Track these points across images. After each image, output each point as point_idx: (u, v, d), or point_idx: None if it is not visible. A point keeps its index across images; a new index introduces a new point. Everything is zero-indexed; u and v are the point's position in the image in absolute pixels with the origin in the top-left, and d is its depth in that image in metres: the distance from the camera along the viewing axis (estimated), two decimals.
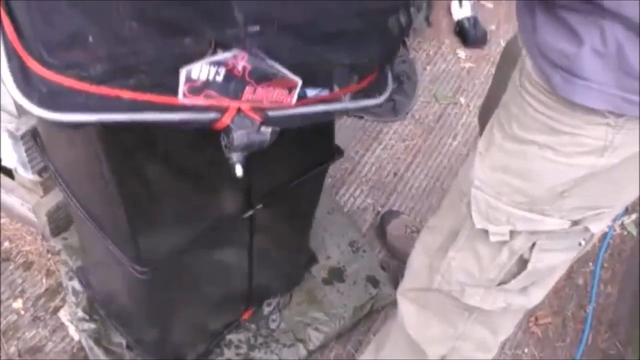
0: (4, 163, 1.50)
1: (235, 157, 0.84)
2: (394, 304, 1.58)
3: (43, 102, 0.72)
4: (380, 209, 1.83)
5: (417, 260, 1.13)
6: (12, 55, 0.72)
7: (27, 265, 1.60)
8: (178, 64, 0.74)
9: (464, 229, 0.97)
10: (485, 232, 0.93)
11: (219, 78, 0.77)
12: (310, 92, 0.84)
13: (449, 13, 2.46)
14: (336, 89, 0.86)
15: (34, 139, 1.24)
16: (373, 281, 1.59)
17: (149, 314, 1.29)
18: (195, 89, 0.77)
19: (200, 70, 0.75)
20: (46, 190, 1.55)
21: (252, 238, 1.25)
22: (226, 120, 0.81)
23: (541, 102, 0.81)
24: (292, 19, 0.75)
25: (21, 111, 1.34)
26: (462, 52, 2.36)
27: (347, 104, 0.89)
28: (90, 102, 0.73)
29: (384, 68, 0.92)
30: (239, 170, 0.84)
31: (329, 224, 1.68)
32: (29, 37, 0.71)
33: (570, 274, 1.72)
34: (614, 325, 1.62)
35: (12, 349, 1.46)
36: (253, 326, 1.49)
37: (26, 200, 1.57)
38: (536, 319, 1.62)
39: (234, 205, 1.14)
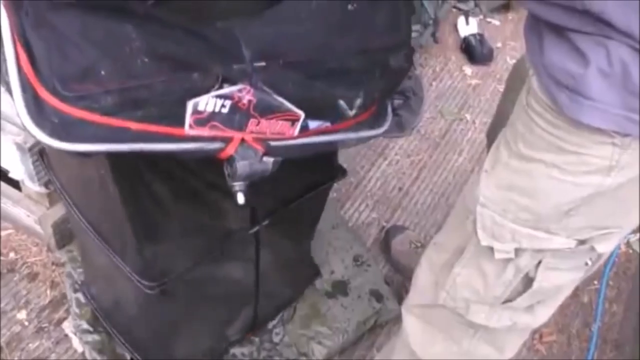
0: (11, 175, 1.51)
1: (237, 186, 0.85)
2: (397, 319, 1.58)
3: (54, 133, 0.75)
4: (385, 223, 1.83)
5: (422, 277, 1.13)
6: (26, 86, 0.74)
7: (32, 277, 1.61)
8: (185, 97, 0.76)
9: (469, 246, 0.98)
10: (491, 249, 0.93)
11: (225, 110, 0.79)
12: (312, 124, 0.86)
13: (456, 30, 2.48)
14: (338, 121, 0.88)
15: (41, 156, 1.26)
16: (377, 296, 1.59)
17: (154, 328, 1.30)
18: (201, 120, 0.79)
19: (207, 103, 0.77)
20: (52, 202, 1.56)
21: (258, 252, 1.26)
22: (230, 150, 0.83)
23: (547, 121, 0.82)
24: (297, 56, 0.79)
25: None
26: (468, 69, 2.37)
27: (348, 135, 0.92)
28: (100, 133, 0.76)
29: (384, 101, 0.96)
30: (240, 199, 0.86)
31: (333, 238, 1.68)
32: (44, 70, 0.73)
33: (575, 292, 1.70)
34: (619, 345, 1.61)
35: None
36: (256, 339, 1.49)
37: (32, 212, 1.58)
38: (541, 337, 1.62)
39: (239, 222, 1.15)
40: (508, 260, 0.93)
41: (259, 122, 0.82)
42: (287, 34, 0.79)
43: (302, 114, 0.83)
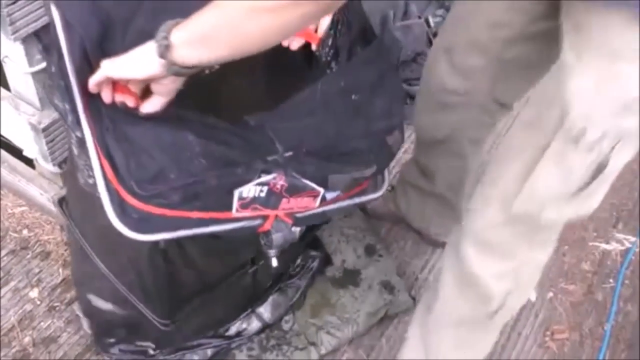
0: (25, 153, 1.51)
1: (272, 252, 1.08)
2: (407, 311, 1.57)
3: (135, 227, 0.93)
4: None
5: (482, 197, 1.14)
6: (111, 190, 0.92)
7: (45, 255, 1.61)
8: (233, 188, 0.96)
9: (553, 143, 0.97)
10: (576, 140, 0.94)
11: (263, 194, 0.99)
12: (329, 195, 1.05)
13: None
14: (348, 190, 1.08)
15: (60, 205, 1.36)
16: (388, 287, 1.57)
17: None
18: (245, 204, 0.99)
19: (249, 190, 0.97)
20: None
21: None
22: (267, 226, 1.04)
23: None
24: (315, 144, 0.98)
25: (44, 104, 1.35)
26: None
27: (356, 200, 1.13)
28: (169, 223, 0.95)
29: (383, 170, 1.14)
30: (274, 262, 1.10)
31: (346, 227, 1.66)
32: (124, 175, 0.91)
33: (590, 289, 1.69)
34: (632, 345, 1.59)
35: (27, 339, 1.47)
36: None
37: (46, 190, 1.58)
38: (552, 334, 1.60)
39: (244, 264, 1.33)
40: (592, 148, 0.94)
41: (289, 201, 1.02)
42: (307, 127, 0.98)
43: (321, 190, 1.02)
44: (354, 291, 1.56)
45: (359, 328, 1.51)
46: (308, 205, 1.05)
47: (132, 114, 0.93)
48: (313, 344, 1.48)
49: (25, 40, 1.20)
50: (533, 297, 1.63)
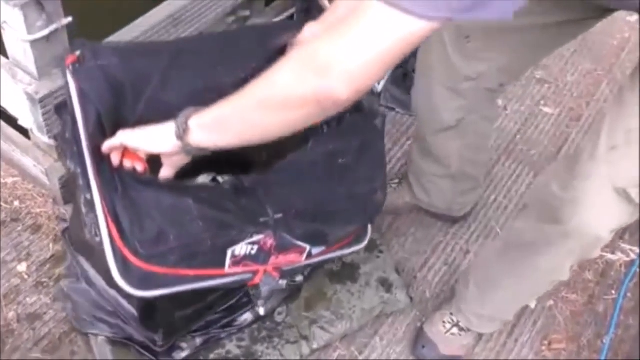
0: (20, 122, 1.45)
1: (260, 302, 1.21)
2: (403, 312, 1.54)
3: (135, 285, 1.03)
4: None
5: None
6: (116, 250, 1.00)
7: (36, 228, 1.57)
8: (226, 247, 1.05)
9: None
10: None
11: (253, 252, 1.08)
12: (315, 250, 1.15)
13: None
14: (332, 245, 1.18)
15: (63, 235, 1.42)
16: (386, 284, 1.53)
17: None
18: (237, 261, 1.08)
19: (241, 249, 1.06)
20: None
21: None
22: (257, 280, 1.13)
23: None
24: (303, 206, 1.08)
25: (42, 74, 1.29)
26: None
27: (339, 252, 1.23)
28: (168, 281, 1.05)
29: (366, 227, 1.25)
30: (262, 311, 1.25)
31: None
32: (129, 236, 0.99)
33: (590, 300, 1.65)
34: None
35: (12, 314, 1.43)
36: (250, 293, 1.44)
37: (40, 162, 1.53)
38: (550, 343, 1.56)
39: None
40: None
41: (277, 257, 1.11)
42: (296, 190, 1.08)
43: (308, 247, 1.12)
44: (351, 287, 1.52)
45: (353, 324, 1.48)
46: (295, 260, 1.14)
47: (138, 179, 1.02)
48: (305, 337, 1.44)
49: (24, 7, 1.15)
50: (532, 304, 1.60)
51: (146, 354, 1.33)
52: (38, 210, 1.59)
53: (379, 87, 1.98)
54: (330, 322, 1.46)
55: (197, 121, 0.91)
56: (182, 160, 1.02)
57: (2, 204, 1.59)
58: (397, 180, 1.72)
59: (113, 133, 1.01)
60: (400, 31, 0.72)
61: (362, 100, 1.17)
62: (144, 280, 1.03)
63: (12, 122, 1.51)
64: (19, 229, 1.56)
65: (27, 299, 1.46)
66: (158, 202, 1.00)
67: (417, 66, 1.44)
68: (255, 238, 1.06)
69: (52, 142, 1.43)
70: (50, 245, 1.54)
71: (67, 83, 1.06)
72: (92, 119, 1.02)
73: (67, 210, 1.55)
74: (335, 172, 1.06)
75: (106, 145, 1.01)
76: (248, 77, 1.02)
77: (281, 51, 1.10)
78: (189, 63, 1.10)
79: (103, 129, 1.02)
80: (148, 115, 1.03)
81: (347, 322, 1.47)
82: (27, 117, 1.38)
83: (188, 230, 1.01)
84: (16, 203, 1.60)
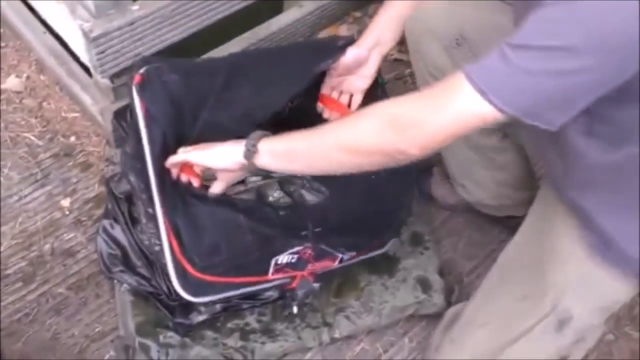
0: (81, 59, 1.45)
1: (294, 304, 1.30)
2: (438, 316, 1.42)
3: (192, 293, 1.18)
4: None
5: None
6: (177, 262, 1.12)
7: (86, 166, 1.58)
8: (270, 257, 1.19)
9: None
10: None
11: (294, 260, 1.22)
12: (346, 256, 1.30)
13: None
14: (360, 252, 1.34)
15: (107, 182, 1.43)
16: (424, 285, 1.43)
17: None
18: (279, 269, 1.22)
19: (284, 258, 1.20)
20: (118, 96, 1.49)
21: None
22: (294, 284, 1.27)
23: None
24: (339, 220, 1.22)
25: (99, 13, 1.26)
26: None
27: (366, 256, 1.36)
28: (219, 288, 1.21)
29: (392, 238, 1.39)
30: (295, 310, 1.31)
31: None
32: (188, 249, 1.12)
33: None
34: None
35: (47, 246, 1.45)
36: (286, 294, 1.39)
37: (97, 101, 1.52)
38: None
39: None
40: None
41: (314, 264, 1.25)
42: (334, 206, 1.22)
43: (340, 255, 1.28)
44: (386, 280, 1.42)
45: (380, 320, 1.39)
46: (329, 265, 1.28)
47: (195, 195, 1.13)
48: (328, 324, 1.36)
49: None
50: None
51: (164, 310, 1.31)
52: (91, 149, 1.60)
53: None
54: (357, 314, 1.38)
55: (267, 147, 1.00)
56: (238, 177, 1.14)
57: (60, 137, 1.61)
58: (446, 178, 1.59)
59: (174, 150, 1.12)
60: (480, 117, 0.81)
61: None
62: (200, 288, 1.17)
63: (76, 57, 1.52)
64: (70, 164, 1.57)
65: (65, 235, 1.47)
66: (213, 217, 1.12)
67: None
68: (296, 249, 1.19)
69: (107, 82, 1.42)
70: (96, 185, 1.54)
71: (133, 101, 1.15)
72: (158, 139, 1.12)
73: (116, 154, 1.54)
74: (367, 188, 1.14)
75: (170, 161, 1.11)
76: (291, 101, 1.25)
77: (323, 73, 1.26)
78: (241, 84, 1.20)
79: (166, 147, 1.12)
80: (205, 134, 1.14)
81: (375, 317, 1.38)
82: (84, 54, 1.37)
83: (239, 243, 1.13)
84: (72, 138, 1.62)
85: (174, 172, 1.14)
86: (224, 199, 1.15)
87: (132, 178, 1.19)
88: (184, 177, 1.15)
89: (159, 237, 1.13)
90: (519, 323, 1.07)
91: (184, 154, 1.10)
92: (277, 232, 1.18)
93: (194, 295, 1.17)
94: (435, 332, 1.32)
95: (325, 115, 1.33)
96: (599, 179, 0.94)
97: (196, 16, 1.39)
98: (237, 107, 1.18)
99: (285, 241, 1.18)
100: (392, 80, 1.86)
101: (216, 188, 1.15)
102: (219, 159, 1.07)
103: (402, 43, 1.91)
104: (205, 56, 1.62)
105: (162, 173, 1.12)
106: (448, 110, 0.82)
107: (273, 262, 1.19)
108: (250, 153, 1.01)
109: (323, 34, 1.88)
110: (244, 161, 1.02)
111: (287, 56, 1.27)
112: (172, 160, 1.11)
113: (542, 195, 1.14)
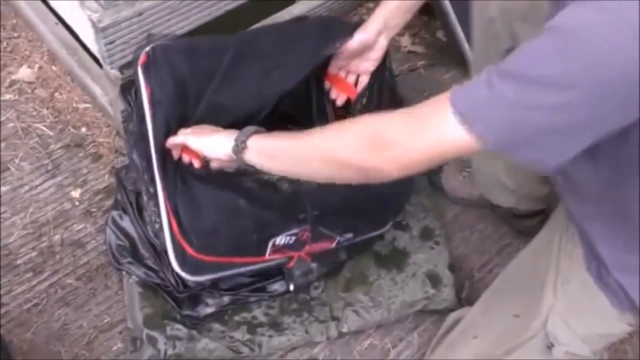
0: (92, 50, 1.44)
1: (291, 282, 1.29)
2: (448, 311, 1.41)
3: (190, 272, 1.20)
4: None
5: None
6: (175, 241, 1.15)
7: (96, 157, 1.58)
8: (268, 239, 1.20)
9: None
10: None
11: (291, 242, 1.23)
12: (343, 238, 1.31)
13: None
14: (358, 234, 1.34)
15: (117, 173, 1.47)
16: (434, 280, 1.41)
17: None
18: (276, 249, 1.23)
19: (281, 239, 1.21)
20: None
21: None
22: (291, 264, 1.28)
23: None
24: (339, 204, 1.21)
25: (108, 3, 1.26)
26: None
27: (363, 237, 1.37)
28: (215, 267, 1.22)
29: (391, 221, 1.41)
30: (291, 287, 1.30)
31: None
32: (186, 229, 1.13)
33: None
34: None
35: (57, 237, 1.45)
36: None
37: (107, 92, 1.52)
38: None
39: None
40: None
41: (311, 245, 1.26)
42: (333, 190, 1.06)
43: (338, 237, 1.29)
44: (395, 275, 1.41)
45: (389, 315, 1.37)
46: (326, 247, 1.29)
47: (196, 175, 1.13)
48: (336, 319, 1.35)
49: None
50: None
51: (171, 302, 1.31)
52: (101, 140, 1.60)
53: None
54: (366, 308, 1.37)
55: (255, 144, 1.01)
56: (230, 167, 1.12)
57: (71, 128, 1.61)
58: (469, 169, 1.56)
59: (176, 131, 1.13)
60: (461, 145, 0.77)
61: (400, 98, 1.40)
62: (197, 268, 1.18)
63: (87, 48, 1.51)
64: (81, 155, 1.57)
65: (74, 225, 1.47)
66: (214, 199, 1.13)
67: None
68: (294, 230, 1.19)
69: (117, 73, 1.42)
70: (106, 176, 1.54)
71: (138, 80, 1.19)
72: (161, 120, 1.13)
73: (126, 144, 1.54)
74: None
75: (170, 142, 1.13)
76: (295, 88, 1.23)
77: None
78: (248, 64, 1.20)
79: (168, 129, 1.13)
80: (206, 115, 1.16)
81: (384, 312, 1.37)
82: (93, 45, 1.36)
83: (238, 226, 1.13)
84: (83, 129, 1.62)
85: (176, 152, 1.14)
86: (225, 181, 1.14)
87: (135, 156, 1.20)
88: (185, 158, 1.15)
89: (159, 215, 1.14)
90: (510, 340, 1.07)
91: (183, 136, 1.11)
92: (276, 216, 1.18)
93: (193, 274, 1.18)
94: (437, 335, 1.31)
95: (333, 95, 1.34)
96: (598, 209, 0.92)
97: (205, 7, 1.38)
98: (243, 88, 1.17)
99: (284, 224, 1.18)
100: (406, 72, 1.84)
101: (214, 164, 1.15)
102: (212, 148, 1.08)
103: (415, 35, 1.91)
104: None
105: (164, 153, 1.13)
106: (430, 135, 0.80)
107: (270, 243, 1.19)
108: (239, 149, 1.02)
109: None
110: (233, 155, 1.04)
111: (296, 37, 1.25)
112: (172, 141, 1.12)
113: (556, 213, 1.13)
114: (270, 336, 1.32)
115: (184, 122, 1.15)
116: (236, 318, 1.33)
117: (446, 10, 1.69)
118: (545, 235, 1.12)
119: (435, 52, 1.88)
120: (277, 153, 1.00)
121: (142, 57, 1.18)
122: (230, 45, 1.21)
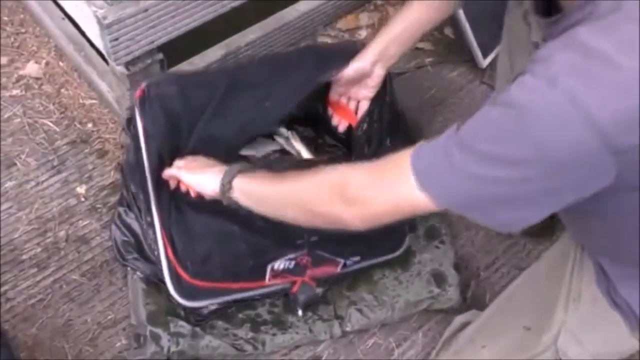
0: (98, 46, 1.44)
1: (299, 306, 1.29)
2: (458, 311, 1.40)
3: (186, 296, 1.23)
4: None
5: None
6: (170, 266, 1.19)
7: (102, 153, 1.58)
8: (266, 264, 1.22)
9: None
10: None
11: (291, 266, 1.23)
12: (349, 261, 1.30)
13: None
14: (366, 258, 1.34)
15: (122, 168, 1.46)
16: (439, 279, 1.40)
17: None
18: (276, 274, 1.24)
19: (280, 264, 1.22)
20: (133, 84, 1.49)
21: None
22: (294, 289, 1.27)
23: None
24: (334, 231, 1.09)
25: (113, 1, 1.26)
26: None
27: (373, 261, 1.36)
28: (212, 293, 1.24)
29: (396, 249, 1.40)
30: (300, 312, 1.31)
31: None
32: (181, 256, 1.17)
33: None
34: None
35: (62, 233, 1.45)
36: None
37: (113, 89, 1.52)
38: None
39: None
40: None
41: (313, 270, 1.26)
42: None
43: (342, 261, 1.29)
44: (400, 274, 1.40)
45: (393, 314, 1.37)
46: (331, 271, 1.28)
47: (191, 204, 1.15)
48: (340, 317, 1.35)
49: None
50: None
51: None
52: (107, 136, 1.60)
53: (485, 64, 1.80)
54: (370, 307, 1.36)
55: (240, 185, 1.04)
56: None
57: (77, 124, 1.61)
58: None
59: (171, 161, 1.18)
60: (419, 205, 0.80)
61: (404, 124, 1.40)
62: (193, 293, 1.21)
63: (94, 44, 1.51)
64: (86, 151, 1.58)
65: (80, 222, 1.47)
66: (208, 227, 1.15)
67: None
68: (292, 255, 1.20)
69: (123, 69, 1.41)
70: (112, 172, 1.54)
71: (134, 114, 1.25)
72: (154, 152, 1.19)
73: None
74: None
75: (165, 174, 1.17)
76: (288, 116, 1.30)
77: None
78: (240, 95, 1.24)
79: (161, 160, 1.19)
80: (199, 147, 1.20)
81: (388, 311, 1.36)
82: (99, 41, 1.36)
83: (232, 252, 1.16)
84: (89, 125, 1.62)
85: (172, 183, 1.17)
86: (220, 209, 1.12)
87: (133, 187, 1.25)
88: (182, 187, 1.17)
89: (156, 242, 1.19)
90: (520, 353, 1.06)
91: (177, 170, 1.15)
92: (271, 242, 1.19)
93: (189, 298, 1.21)
94: (443, 337, 1.30)
95: (334, 121, 1.36)
96: (599, 234, 0.93)
97: (210, 4, 1.37)
98: (234, 119, 1.22)
99: (280, 249, 1.19)
100: (413, 69, 1.82)
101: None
102: (202, 185, 1.10)
103: None
104: (222, 43, 1.61)
105: (159, 184, 1.17)
106: (391, 195, 0.83)
107: (269, 268, 1.20)
108: (225, 189, 1.05)
109: (343, 22, 1.86)
110: (220, 195, 1.06)
111: (290, 66, 1.28)
112: (167, 172, 1.17)
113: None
114: (273, 334, 1.31)
115: (177, 153, 1.19)
116: (240, 315, 1.32)
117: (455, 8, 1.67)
118: (560, 248, 1.11)
119: (443, 49, 1.87)
120: (258, 197, 1.03)
121: (137, 93, 1.25)
122: (223, 77, 1.25)
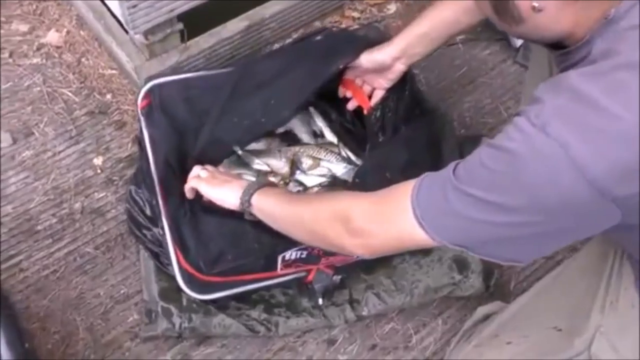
0: (117, 14, 1.41)
1: (317, 296, 1.26)
2: (480, 298, 1.34)
3: (198, 291, 1.21)
4: None
5: None
6: (182, 269, 1.18)
7: (120, 125, 1.55)
8: (277, 255, 1.19)
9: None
10: None
11: (303, 256, 1.20)
12: None
13: None
14: None
15: (138, 139, 1.40)
16: (461, 265, 1.34)
17: None
18: (288, 264, 1.21)
19: (291, 254, 1.19)
20: (152, 54, 1.45)
21: None
22: (310, 277, 1.25)
23: None
24: None
25: None
26: None
27: None
28: (225, 286, 1.23)
29: None
30: (320, 301, 1.27)
31: None
32: (194, 256, 1.16)
33: None
34: None
35: (78, 205, 1.43)
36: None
37: (132, 59, 1.48)
38: None
39: None
40: None
41: (327, 258, 1.23)
42: None
43: None
44: (420, 259, 1.35)
45: (412, 300, 1.32)
46: (347, 258, 1.23)
47: (205, 208, 1.15)
48: (356, 301, 1.31)
49: None
50: None
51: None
52: (126, 107, 1.56)
53: (518, 43, 1.72)
54: (388, 292, 1.32)
55: (257, 202, 1.06)
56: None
57: (96, 94, 1.59)
58: None
59: (178, 166, 1.20)
60: (420, 241, 0.82)
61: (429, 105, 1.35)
62: (206, 287, 1.20)
63: (114, 12, 1.48)
64: (105, 122, 1.55)
65: (95, 194, 1.45)
66: (220, 227, 1.15)
67: None
68: (303, 245, 1.15)
69: (142, 39, 1.38)
70: (129, 144, 1.51)
71: (140, 123, 1.27)
72: (161, 161, 1.20)
73: None
74: (382, 185, 1.04)
75: (187, 187, 1.15)
76: (294, 114, 1.29)
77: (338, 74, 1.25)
78: (244, 98, 1.23)
79: (170, 165, 1.20)
80: (206, 149, 1.22)
81: (407, 296, 1.31)
82: (117, 9, 1.32)
83: (244, 251, 1.15)
84: (108, 96, 1.59)
85: (190, 194, 1.16)
86: (233, 211, 1.12)
87: (144, 190, 1.26)
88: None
89: (168, 247, 1.19)
90: (548, 354, 1.01)
91: (196, 182, 1.14)
92: (282, 237, 1.13)
93: (201, 293, 1.20)
94: (463, 328, 1.25)
95: (344, 96, 1.33)
96: (635, 242, 0.88)
97: None
98: (240, 120, 1.23)
99: (290, 242, 1.14)
100: (444, 47, 1.74)
101: None
102: (222, 199, 1.11)
103: None
104: (244, 15, 1.56)
105: (167, 190, 1.19)
106: (393, 228, 0.85)
107: (280, 259, 1.18)
108: (244, 206, 1.07)
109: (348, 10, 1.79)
110: (241, 209, 1.08)
111: (296, 61, 1.26)
112: (187, 186, 1.15)
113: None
114: (287, 317, 1.28)
115: (185, 158, 1.21)
116: (254, 296, 1.29)
117: None
118: (598, 248, 1.04)
119: (475, 27, 1.79)
120: (271, 216, 1.05)
121: (142, 103, 1.25)
122: (229, 78, 1.26)
